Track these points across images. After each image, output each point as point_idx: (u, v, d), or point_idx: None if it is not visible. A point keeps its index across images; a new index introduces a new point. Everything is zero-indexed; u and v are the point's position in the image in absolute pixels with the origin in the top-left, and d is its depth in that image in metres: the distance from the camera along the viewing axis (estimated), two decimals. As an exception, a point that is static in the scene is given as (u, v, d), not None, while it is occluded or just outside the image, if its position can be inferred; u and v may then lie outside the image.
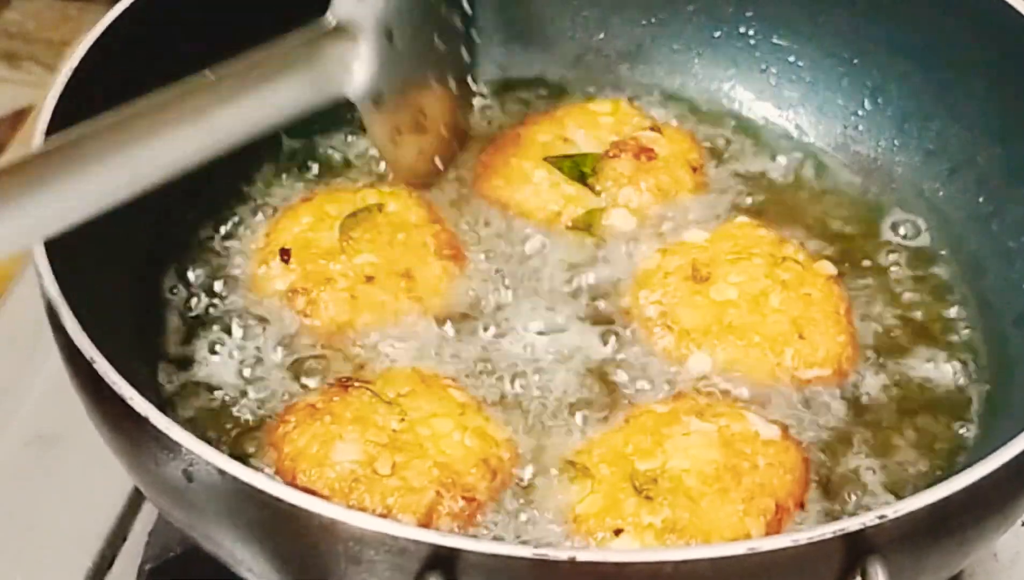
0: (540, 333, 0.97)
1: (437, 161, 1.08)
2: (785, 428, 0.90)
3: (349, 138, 1.12)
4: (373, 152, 1.11)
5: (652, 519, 0.82)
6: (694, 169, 1.08)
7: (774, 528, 0.83)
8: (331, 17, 0.88)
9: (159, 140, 0.78)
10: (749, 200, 1.09)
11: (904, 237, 1.07)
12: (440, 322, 0.97)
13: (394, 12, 0.94)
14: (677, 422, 0.88)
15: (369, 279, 0.97)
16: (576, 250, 1.03)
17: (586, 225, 1.04)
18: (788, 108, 1.16)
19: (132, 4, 0.96)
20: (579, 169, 1.06)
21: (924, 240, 1.07)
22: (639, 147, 1.07)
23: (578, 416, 0.91)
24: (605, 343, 0.97)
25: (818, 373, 0.94)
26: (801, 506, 0.86)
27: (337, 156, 1.12)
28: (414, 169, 1.06)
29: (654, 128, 1.10)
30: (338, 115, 1.08)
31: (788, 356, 0.93)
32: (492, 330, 0.97)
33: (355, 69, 0.90)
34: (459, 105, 1.13)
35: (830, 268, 0.99)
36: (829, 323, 0.95)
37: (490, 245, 1.03)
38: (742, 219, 1.04)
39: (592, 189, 1.05)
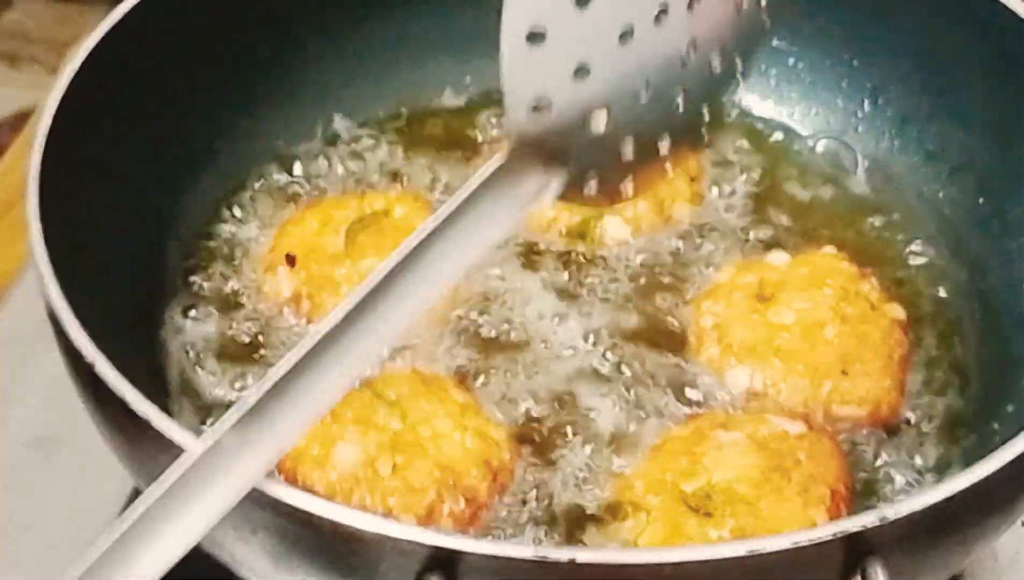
0: (544, 340, 0.97)
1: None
2: (807, 418, 0.90)
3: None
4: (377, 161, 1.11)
5: (719, 532, 0.81)
6: (692, 179, 1.08)
7: (835, 514, 0.83)
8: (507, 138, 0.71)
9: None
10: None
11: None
12: (443, 324, 0.97)
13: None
14: (705, 439, 0.88)
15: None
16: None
17: (580, 233, 1.04)
18: (788, 109, 1.16)
19: (134, 6, 0.96)
20: None
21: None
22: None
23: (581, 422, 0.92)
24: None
25: (853, 411, 0.92)
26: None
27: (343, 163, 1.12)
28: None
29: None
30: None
31: (825, 389, 0.92)
32: (495, 332, 0.97)
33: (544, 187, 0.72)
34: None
35: (899, 312, 0.97)
36: (877, 365, 0.93)
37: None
38: (829, 249, 1.02)
39: None
